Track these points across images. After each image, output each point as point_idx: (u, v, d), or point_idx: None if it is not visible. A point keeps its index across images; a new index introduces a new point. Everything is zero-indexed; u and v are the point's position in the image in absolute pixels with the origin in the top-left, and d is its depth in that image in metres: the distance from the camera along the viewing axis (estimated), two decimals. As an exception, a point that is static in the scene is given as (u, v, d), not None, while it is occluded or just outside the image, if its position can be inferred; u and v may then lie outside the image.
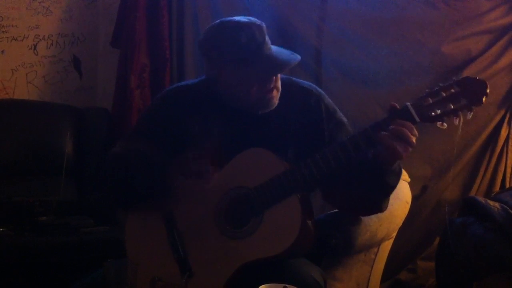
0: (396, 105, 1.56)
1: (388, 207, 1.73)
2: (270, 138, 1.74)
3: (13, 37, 3.29)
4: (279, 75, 1.74)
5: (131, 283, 1.41)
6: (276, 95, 1.73)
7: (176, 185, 1.69)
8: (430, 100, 1.52)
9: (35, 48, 3.35)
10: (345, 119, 1.84)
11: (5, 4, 3.25)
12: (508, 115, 2.81)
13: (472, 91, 1.49)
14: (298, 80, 1.87)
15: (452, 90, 1.50)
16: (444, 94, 1.51)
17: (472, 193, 2.82)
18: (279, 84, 1.73)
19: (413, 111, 1.52)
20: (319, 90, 1.85)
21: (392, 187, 1.68)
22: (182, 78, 3.18)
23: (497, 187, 2.82)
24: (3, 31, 3.26)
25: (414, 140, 1.52)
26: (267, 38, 1.70)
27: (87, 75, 3.51)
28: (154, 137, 1.78)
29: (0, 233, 2.53)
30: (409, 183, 2.39)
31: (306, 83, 1.86)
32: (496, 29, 2.79)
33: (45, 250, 2.50)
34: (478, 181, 2.84)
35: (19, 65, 3.31)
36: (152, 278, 1.48)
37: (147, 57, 3.24)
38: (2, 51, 3.28)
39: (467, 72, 2.69)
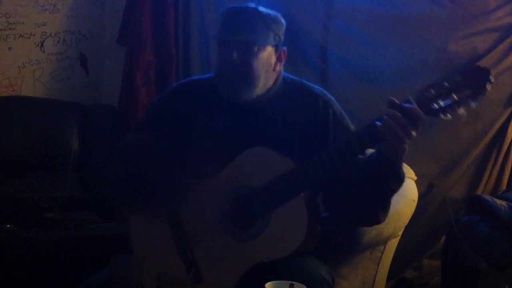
0: (395, 99, 1.54)
1: (395, 205, 1.72)
2: (274, 138, 1.74)
3: (20, 34, 3.29)
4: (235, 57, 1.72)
5: (137, 279, 1.41)
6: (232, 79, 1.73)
7: (179, 183, 1.69)
8: (433, 92, 1.50)
9: (42, 45, 3.35)
10: (352, 127, 1.83)
11: (12, 2, 3.25)
12: (514, 114, 2.80)
13: (475, 79, 1.48)
14: (310, 84, 1.88)
15: (455, 79, 1.49)
16: (447, 84, 1.49)
17: (479, 191, 2.81)
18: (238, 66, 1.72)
19: (415, 105, 1.50)
20: (329, 96, 1.84)
21: (392, 191, 1.65)
22: (188, 75, 3.18)
23: (503, 186, 2.81)
24: (10, 28, 3.26)
25: (405, 130, 1.50)
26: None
27: (93, 72, 3.51)
28: (160, 128, 1.80)
29: (6, 228, 2.54)
30: (415, 181, 2.38)
31: (317, 88, 1.86)
32: (503, 27, 2.78)
33: (50, 245, 2.50)
34: (484, 179, 2.83)
35: (26, 62, 3.31)
36: (158, 273, 1.48)
37: (153, 54, 3.24)
38: (9, 48, 3.28)
39: (474, 70, 2.69)
